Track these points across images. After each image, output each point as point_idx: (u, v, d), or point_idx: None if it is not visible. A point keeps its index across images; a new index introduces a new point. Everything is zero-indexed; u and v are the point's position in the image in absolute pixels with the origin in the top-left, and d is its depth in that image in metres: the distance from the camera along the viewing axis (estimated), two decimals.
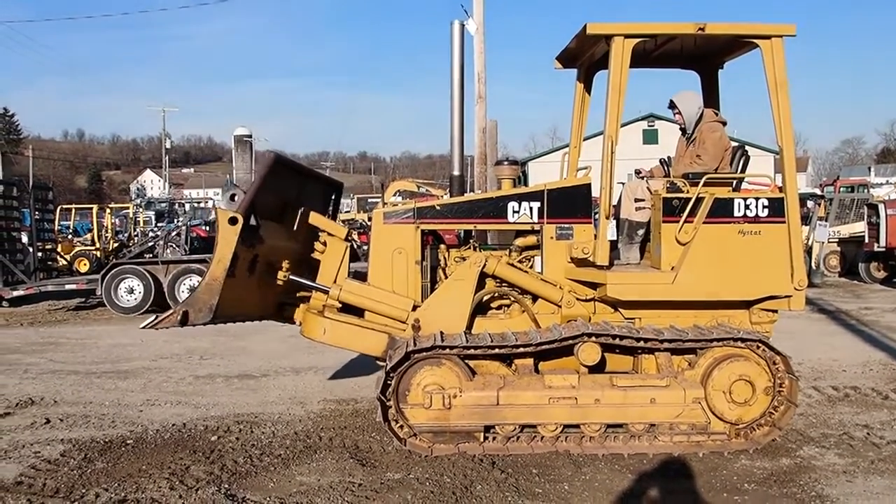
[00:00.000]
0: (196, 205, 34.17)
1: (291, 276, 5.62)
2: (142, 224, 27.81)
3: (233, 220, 4.78)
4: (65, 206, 26.58)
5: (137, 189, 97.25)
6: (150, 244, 18.51)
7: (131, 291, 12.71)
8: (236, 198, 4.96)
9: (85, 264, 19.74)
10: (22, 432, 5.92)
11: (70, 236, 23.40)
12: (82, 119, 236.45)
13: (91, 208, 24.16)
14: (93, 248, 21.18)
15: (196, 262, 12.91)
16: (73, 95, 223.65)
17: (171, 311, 4.89)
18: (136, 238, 23.92)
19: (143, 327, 5.00)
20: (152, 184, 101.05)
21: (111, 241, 22.30)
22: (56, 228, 19.14)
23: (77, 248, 21.02)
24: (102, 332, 11.17)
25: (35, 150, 78.81)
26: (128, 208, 28.97)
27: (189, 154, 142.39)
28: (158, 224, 27.99)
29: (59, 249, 17.56)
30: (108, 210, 24.38)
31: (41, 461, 5.20)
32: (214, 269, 4.84)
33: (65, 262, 18.20)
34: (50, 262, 15.62)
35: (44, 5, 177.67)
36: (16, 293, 13.49)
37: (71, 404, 6.79)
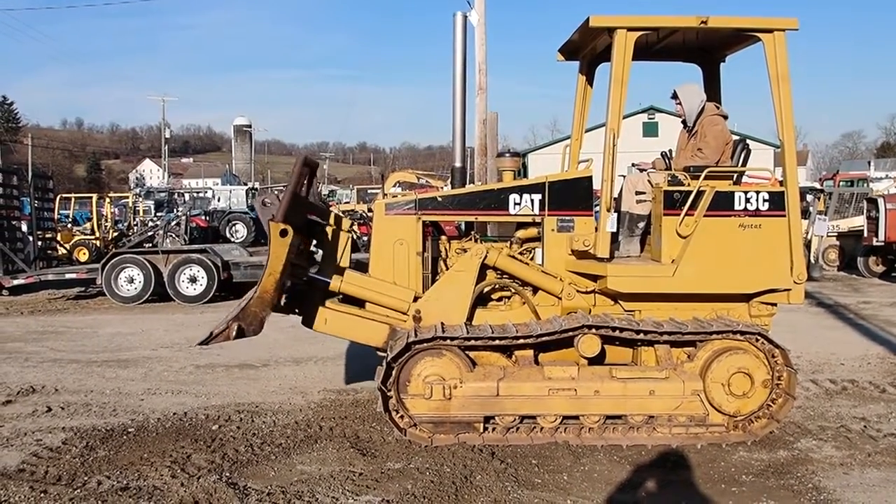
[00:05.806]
0: (195, 194, 34.10)
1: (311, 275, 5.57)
2: (141, 213, 27.80)
3: (283, 233, 4.71)
4: (64, 195, 26.61)
5: (136, 178, 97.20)
6: (149, 234, 18.55)
7: (131, 281, 12.72)
8: (268, 203, 4.86)
9: (84, 253, 19.75)
10: (24, 420, 5.95)
11: (69, 225, 23.40)
12: (81, 108, 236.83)
13: (90, 197, 24.19)
14: (92, 237, 21.20)
15: (196, 252, 12.91)
16: (73, 84, 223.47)
17: (224, 327, 4.78)
18: (135, 227, 23.95)
19: (199, 344, 4.94)
20: (151, 173, 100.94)
21: (110, 231, 22.34)
22: (56, 217, 19.16)
23: (76, 238, 21.02)
24: (102, 321, 11.19)
25: (34, 139, 78.61)
26: (127, 197, 28.94)
27: (188, 143, 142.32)
28: (158, 213, 27.99)
29: (58, 238, 17.57)
30: (107, 199, 24.39)
31: (43, 449, 5.23)
32: (266, 281, 4.75)
33: (64, 251, 18.23)
34: (49, 251, 15.63)
35: None
36: (16, 282, 13.51)
37: (72, 393, 6.82)
